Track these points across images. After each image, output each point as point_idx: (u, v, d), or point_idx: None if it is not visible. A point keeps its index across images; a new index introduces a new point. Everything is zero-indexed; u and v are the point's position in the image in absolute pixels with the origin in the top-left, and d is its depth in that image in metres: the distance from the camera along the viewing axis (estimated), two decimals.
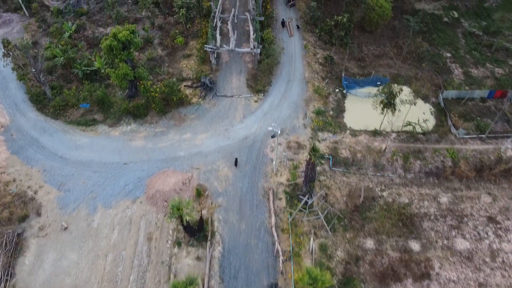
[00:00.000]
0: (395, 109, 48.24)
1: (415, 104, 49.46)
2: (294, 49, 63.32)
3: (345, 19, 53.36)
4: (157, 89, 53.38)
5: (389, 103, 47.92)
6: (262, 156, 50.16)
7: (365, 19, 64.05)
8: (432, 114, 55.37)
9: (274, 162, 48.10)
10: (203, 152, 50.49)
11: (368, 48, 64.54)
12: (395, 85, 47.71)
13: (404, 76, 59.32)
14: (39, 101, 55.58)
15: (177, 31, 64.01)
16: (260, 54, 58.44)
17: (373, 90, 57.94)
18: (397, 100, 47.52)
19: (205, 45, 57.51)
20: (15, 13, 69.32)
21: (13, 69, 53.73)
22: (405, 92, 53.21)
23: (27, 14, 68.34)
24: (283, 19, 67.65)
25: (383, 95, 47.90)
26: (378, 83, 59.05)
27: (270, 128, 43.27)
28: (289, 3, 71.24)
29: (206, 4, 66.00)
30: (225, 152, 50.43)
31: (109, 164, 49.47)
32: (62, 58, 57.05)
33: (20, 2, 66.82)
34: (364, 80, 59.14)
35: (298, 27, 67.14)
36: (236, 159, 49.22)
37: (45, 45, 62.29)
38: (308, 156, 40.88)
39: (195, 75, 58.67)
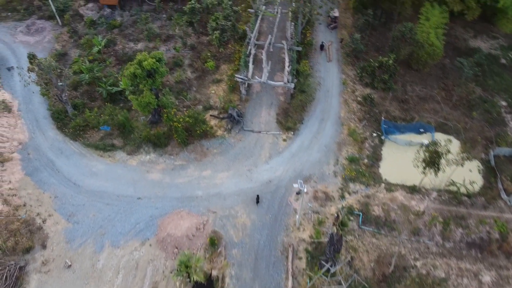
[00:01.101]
0: (438, 170, 43.08)
1: (462, 166, 44.02)
2: (332, 83, 58.68)
3: (390, 61, 48.21)
4: (180, 120, 50.15)
5: (432, 163, 42.80)
6: (285, 205, 45.98)
7: (413, 56, 58.52)
8: (480, 173, 49.44)
9: (297, 216, 43.81)
10: (222, 194, 46.85)
11: (413, 88, 58.95)
12: (442, 141, 42.49)
13: (452, 126, 53.46)
14: (60, 119, 53.57)
15: (208, 53, 60.69)
16: (294, 87, 54.21)
17: (415, 138, 52.86)
18: (442, 161, 42.39)
19: (236, 75, 53.84)
20: (48, 20, 68.02)
21: (37, 83, 51.87)
22: (452, 145, 47.89)
23: (60, 23, 66.90)
24: (322, 42, 63.22)
25: (426, 154, 42.81)
26: (421, 130, 53.79)
27: (295, 185, 39.07)
28: (330, 26, 66.65)
29: (241, 28, 62.34)
30: (246, 196, 46.59)
31: (123, 197, 46.65)
32: (87, 76, 54.83)
33: (54, 11, 65.36)
34: (406, 126, 53.83)
35: (341, 40, 63.52)
36: (258, 196, 45.52)
37: (73, 59, 60.48)
38: (335, 228, 36.31)
39: (223, 104, 55.18)
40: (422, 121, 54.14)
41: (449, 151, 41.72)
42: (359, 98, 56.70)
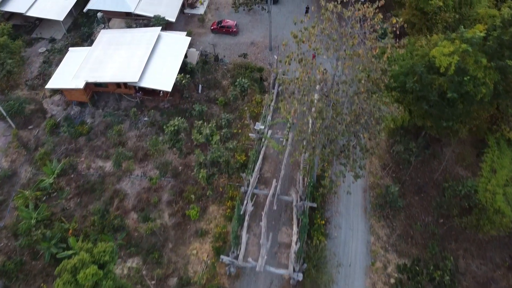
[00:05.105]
0: None
1: None
2: (356, 250, 43.00)
3: (447, 277, 32.38)
4: None
5: None
6: None
7: (471, 221, 42.60)
8: None
9: None
10: None
11: (468, 263, 42.90)
12: None
13: None
14: None
15: (192, 195, 45.84)
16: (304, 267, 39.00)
17: None
18: None
19: (221, 256, 38.88)
20: (1, 121, 54.13)
21: None
22: None
23: (13, 126, 52.96)
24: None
25: None
26: None
27: None
28: None
29: (239, 158, 47.10)
30: None
31: None
32: (24, 240, 40.81)
33: (5, 114, 51.42)
34: None
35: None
36: None
37: (18, 191, 46.53)
38: None
39: (204, 281, 40.46)
40: None
41: None
42: (392, 280, 41.07)
